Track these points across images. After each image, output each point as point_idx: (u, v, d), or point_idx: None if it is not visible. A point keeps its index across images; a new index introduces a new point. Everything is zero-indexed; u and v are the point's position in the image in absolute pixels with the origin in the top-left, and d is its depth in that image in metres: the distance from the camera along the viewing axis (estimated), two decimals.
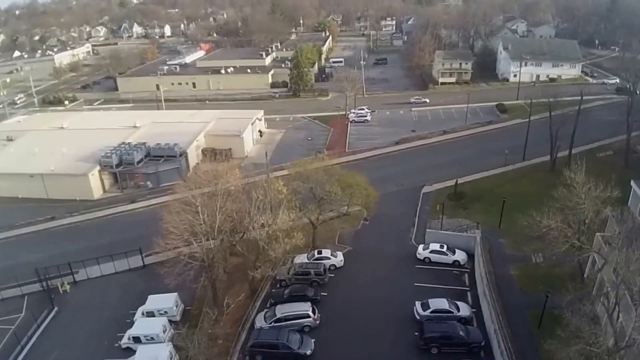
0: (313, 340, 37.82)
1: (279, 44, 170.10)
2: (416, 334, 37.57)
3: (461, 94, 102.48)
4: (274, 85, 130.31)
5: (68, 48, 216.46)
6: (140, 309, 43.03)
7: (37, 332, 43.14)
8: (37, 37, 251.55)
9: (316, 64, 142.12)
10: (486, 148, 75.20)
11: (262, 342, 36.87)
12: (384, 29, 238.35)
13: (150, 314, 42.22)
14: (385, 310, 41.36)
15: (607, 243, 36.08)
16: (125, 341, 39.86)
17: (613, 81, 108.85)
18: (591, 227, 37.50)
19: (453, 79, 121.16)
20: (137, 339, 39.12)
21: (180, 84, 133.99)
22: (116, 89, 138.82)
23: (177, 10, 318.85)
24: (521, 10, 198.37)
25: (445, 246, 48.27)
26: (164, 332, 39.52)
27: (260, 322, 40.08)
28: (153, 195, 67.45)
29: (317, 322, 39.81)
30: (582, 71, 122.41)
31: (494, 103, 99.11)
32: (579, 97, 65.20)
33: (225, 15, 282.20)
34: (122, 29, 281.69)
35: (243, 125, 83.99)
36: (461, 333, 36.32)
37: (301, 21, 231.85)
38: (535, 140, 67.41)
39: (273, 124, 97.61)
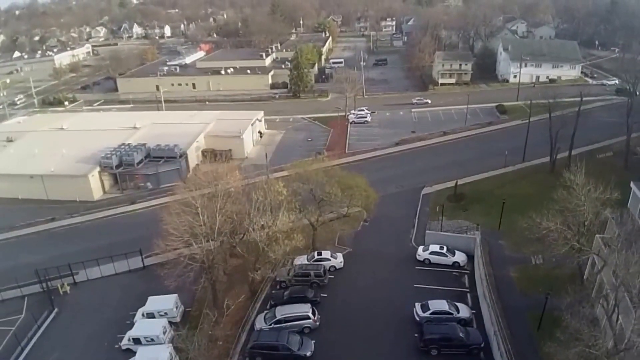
0: (313, 341, 37.86)
1: (279, 45, 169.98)
2: (416, 335, 37.63)
3: (461, 95, 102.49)
4: (273, 86, 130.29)
5: (68, 49, 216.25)
6: (140, 311, 43.11)
7: (37, 334, 43.18)
8: (37, 38, 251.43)
9: (316, 64, 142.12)
10: (486, 149, 75.15)
11: (262, 344, 36.92)
12: (384, 30, 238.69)
13: (150, 316, 42.28)
14: (385, 311, 41.38)
15: (606, 245, 36.07)
16: (125, 342, 39.89)
17: (613, 82, 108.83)
18: (591, 229, 37.55)
19: (453, 80, 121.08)
20: (137, 341, 39.17)
21: (180, 84, 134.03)
22: (116, 89, 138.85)
23: (177, 10, 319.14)
24: (521, 11, 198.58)
25: (445, 248, 48.34)
26: (164, 333, 39.58)
27: (260, 323, 40.11)
28: (153, 197, 67.49)
29: (317, 323, 39.85)
30: (582, 72, 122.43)
31: (494, 104, 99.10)
32: (579, 98, 65.20)
33: (225, 16, 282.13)
34: (122, 30, 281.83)
35: (243, 126, 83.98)
36: (461, 335, 36.37)
37: (301, 22, 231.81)
38: (535, 141, 67.31)
39: (273, 125, 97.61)
